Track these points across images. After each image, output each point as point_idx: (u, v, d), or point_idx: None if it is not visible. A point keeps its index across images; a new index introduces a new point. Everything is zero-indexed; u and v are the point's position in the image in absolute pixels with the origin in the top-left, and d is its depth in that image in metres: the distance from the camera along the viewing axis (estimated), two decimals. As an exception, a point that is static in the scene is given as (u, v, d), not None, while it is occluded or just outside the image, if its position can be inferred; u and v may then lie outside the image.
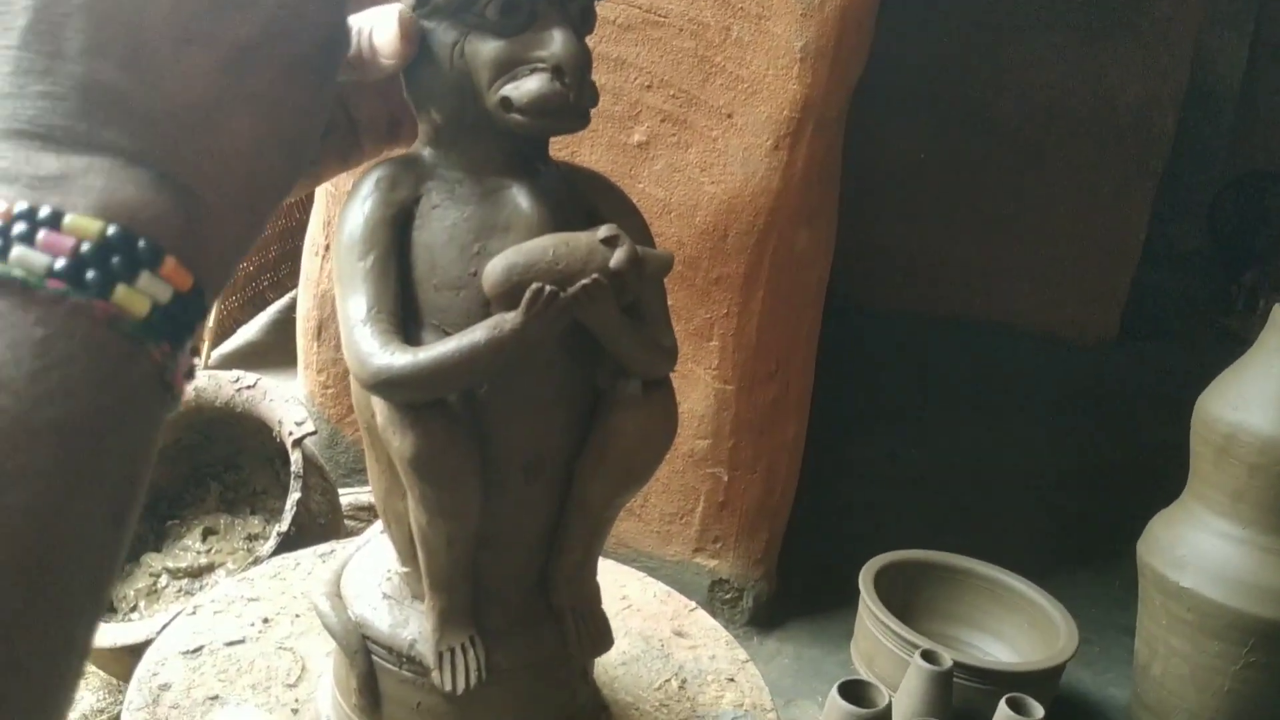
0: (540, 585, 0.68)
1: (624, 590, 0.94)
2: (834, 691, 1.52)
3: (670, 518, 1.93)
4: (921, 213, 3.88)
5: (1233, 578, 1.63)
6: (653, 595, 0.94)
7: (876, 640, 1.78)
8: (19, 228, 0.26)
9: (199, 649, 0.79)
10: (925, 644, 1.68)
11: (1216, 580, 1.65)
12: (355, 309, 0.57)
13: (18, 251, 0.25)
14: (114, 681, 1.50)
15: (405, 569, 0.67)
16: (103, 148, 0.28)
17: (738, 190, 1.72)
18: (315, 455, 1.60)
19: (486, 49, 0.55)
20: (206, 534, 1.58)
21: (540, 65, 0.55)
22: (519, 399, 0.61)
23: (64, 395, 0.25)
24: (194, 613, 0.84)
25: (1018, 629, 1.93)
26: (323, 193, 1.94)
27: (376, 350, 0.55)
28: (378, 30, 0.53)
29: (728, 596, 1.96)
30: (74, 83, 0.28)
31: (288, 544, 1.39)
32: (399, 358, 0.55)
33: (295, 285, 2.28)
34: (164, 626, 0.83)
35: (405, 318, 0.58)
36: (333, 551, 0.94)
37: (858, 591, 1.84)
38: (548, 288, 0.55)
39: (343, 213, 0.59)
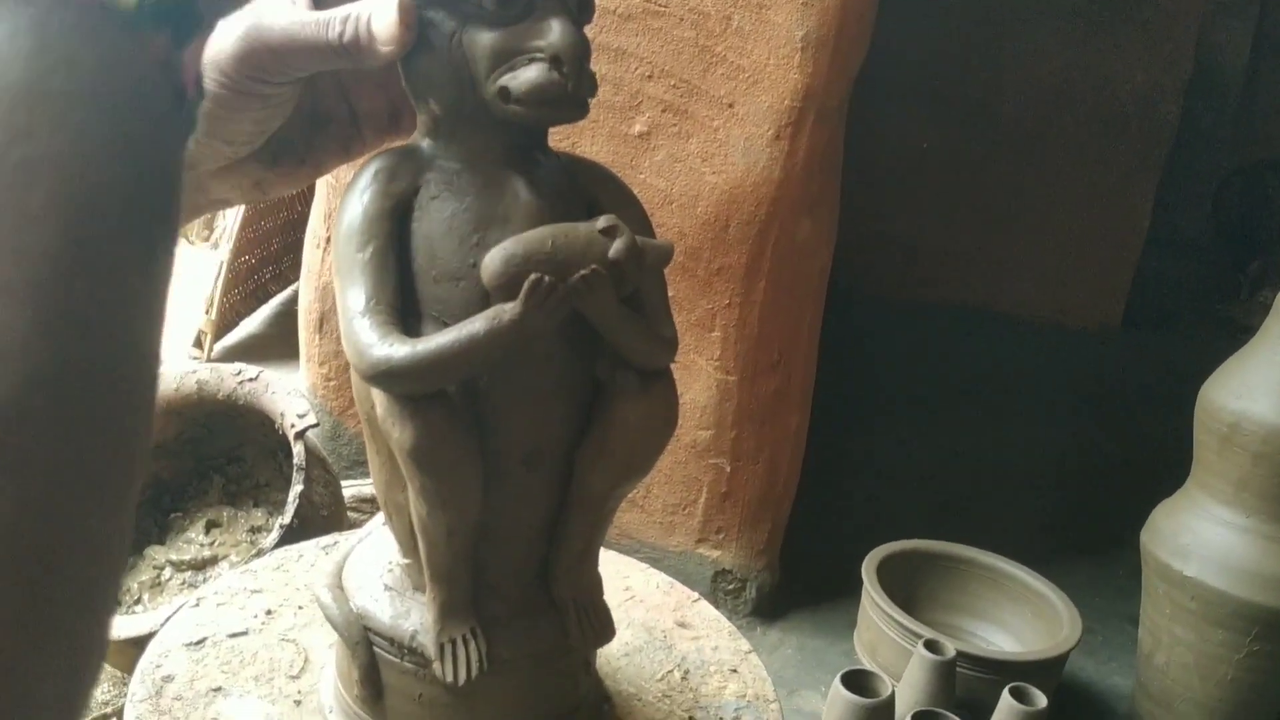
0: (541, 577, 0.68)
1: (627, 581, 0.94)
2: (837, 682, 1.52)
3: (673, 508, 1.94)
4: (924, 202, 3.86)
5: (1236, 566, 1.63)
6: (655, 586, 0.94)
7: (880, 630, 1.78)
8: None
9: (202, 641, 0.79)
10: (928, 634, 1.68)
11: (1220, 569, 1.64)
12: (354, 300, 0.57)
13: None
14: (118, 674, 1.51)
15: (406, 561, 0.67)
16: None
17: (739, 180, 1.72)
18: (318, 447, 1.60)
19: (484, 39, 0.55)
20: (209, 527, 1.58)
21: (538, 55, 0.55)
22: (518, 390, 0.61)
23: (67, 65, 0.24)
24: (197, 605, 0.84)
25: (1021, 618, 1.93)
26: (324, 185, 1.94)
27: (375, 342, 0.55)
28: (376, 16, 0.52)
29: (731, 587, 1.97)
30: None
31: (290, 536, 1.40)
32: (398, 349, 0.55)
33: (297, 278, 2.28)
34: (167, 619, 0.83)
35: (405, 309, 0.58)
36: (335, 543, 0.94)
37: (861, 582, 1.84)
38: (547, 278, 0.55)
39: (342, 205, 0.59)
